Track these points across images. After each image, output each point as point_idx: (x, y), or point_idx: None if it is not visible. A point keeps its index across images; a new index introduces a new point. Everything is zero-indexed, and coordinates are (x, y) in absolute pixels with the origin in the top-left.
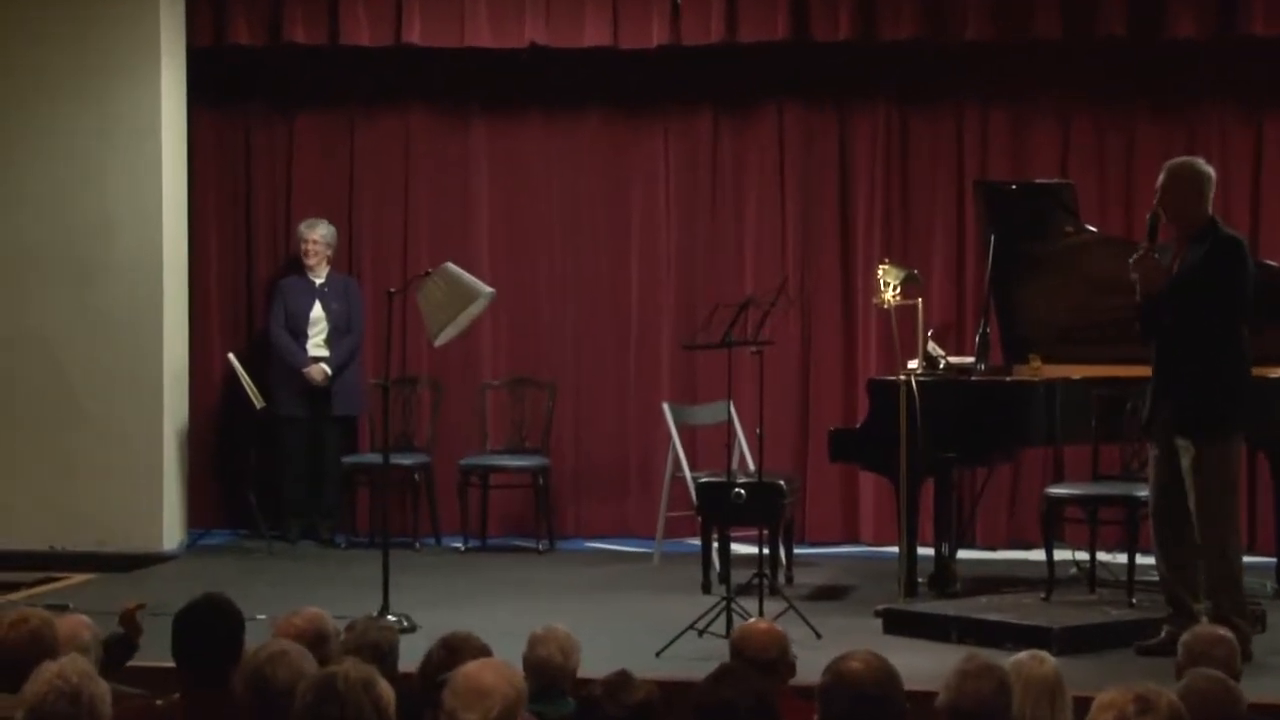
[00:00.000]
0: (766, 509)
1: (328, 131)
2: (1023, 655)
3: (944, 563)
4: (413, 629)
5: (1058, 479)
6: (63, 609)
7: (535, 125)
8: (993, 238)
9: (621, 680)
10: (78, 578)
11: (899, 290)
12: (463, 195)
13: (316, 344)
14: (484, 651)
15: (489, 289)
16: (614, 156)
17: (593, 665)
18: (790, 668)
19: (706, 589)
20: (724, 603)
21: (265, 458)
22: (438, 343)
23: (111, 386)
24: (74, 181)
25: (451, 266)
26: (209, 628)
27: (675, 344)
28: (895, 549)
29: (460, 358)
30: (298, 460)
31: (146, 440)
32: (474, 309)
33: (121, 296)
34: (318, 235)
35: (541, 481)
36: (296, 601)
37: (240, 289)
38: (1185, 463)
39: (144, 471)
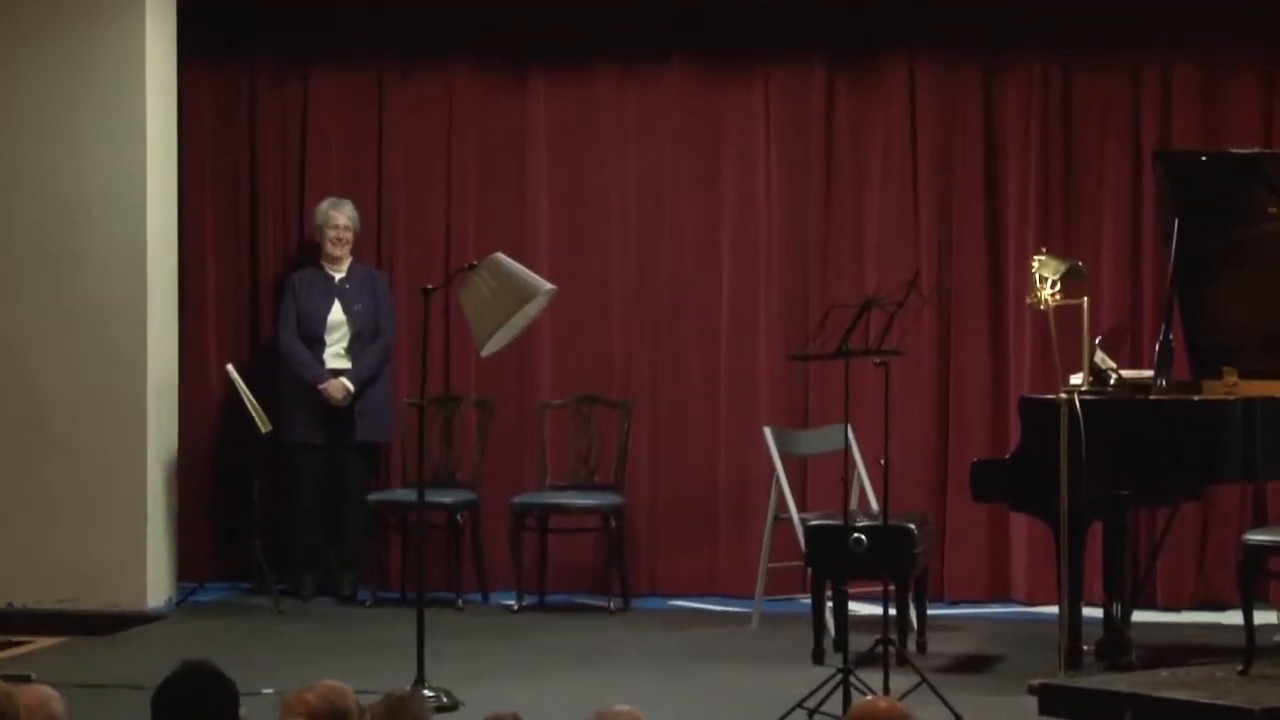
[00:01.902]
0: (893, 559)
1: (351, 92)
2: None
3: (1116, 627)
4: (453, 706)
5: (1258, 523)
6: (24, 680)
7: (605, 83)
8: (1177, 222)
9: None
10: (43, 641)
11: (1059, 287)
12: (517, 170)
13: (336, 353)
14: None
15: (548, 285)
16: (702, 121)
17: None
18: None
19: (818, 658)
20: (840, 675)
21: (272, 494)
22: (486, 352)
23: (84, 405)
24: (39, 154)
25: (502, 258)
26: (194, 705)
27: (779, 354)
28: (1054, 609)
29: (513, 371)
30: (312, 497)
31: (127, 471)
32: (530, 310)
33: (97, 295)
34: (343, 219)
35: (613, 525)
36: (310, 672)
37: (242, 285)
38: None
39: (124, 510)
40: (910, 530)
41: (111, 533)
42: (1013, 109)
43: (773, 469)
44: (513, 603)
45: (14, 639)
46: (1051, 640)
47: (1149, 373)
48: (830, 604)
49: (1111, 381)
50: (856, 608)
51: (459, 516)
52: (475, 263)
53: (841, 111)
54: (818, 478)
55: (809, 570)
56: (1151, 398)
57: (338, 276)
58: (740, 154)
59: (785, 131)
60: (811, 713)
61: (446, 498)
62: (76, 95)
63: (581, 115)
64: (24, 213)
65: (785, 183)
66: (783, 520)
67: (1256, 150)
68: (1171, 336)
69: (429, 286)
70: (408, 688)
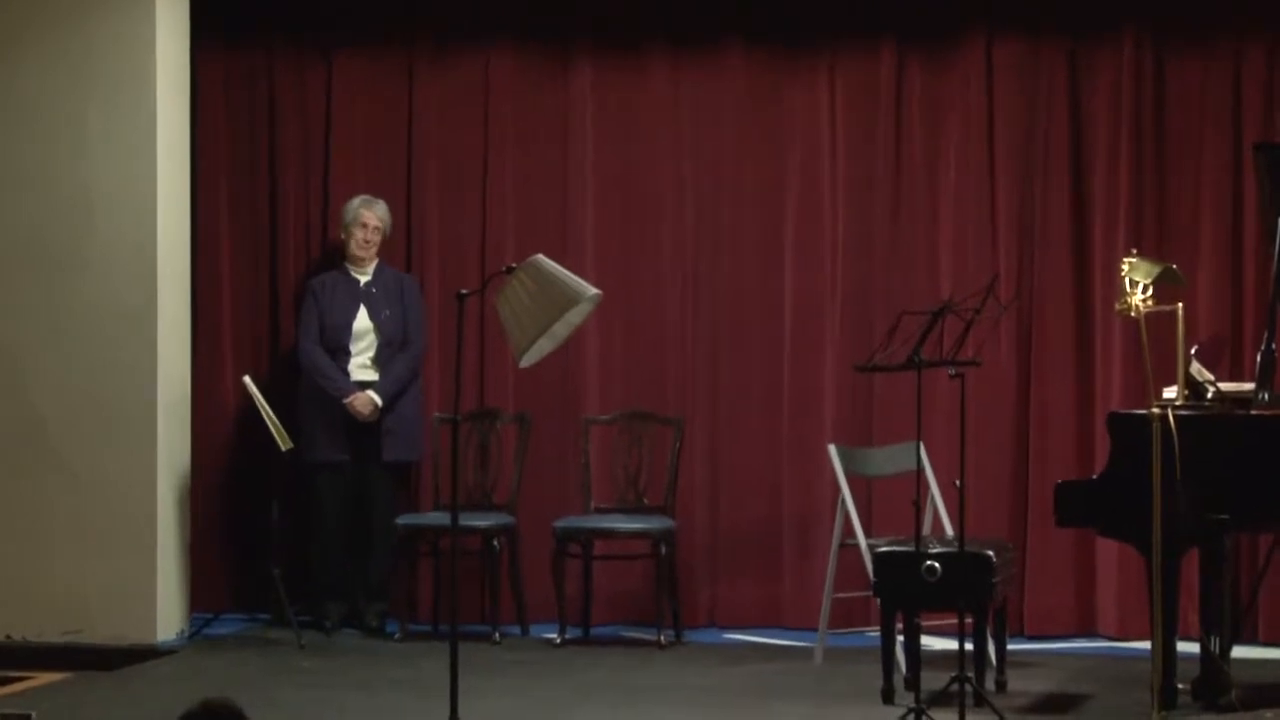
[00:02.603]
0: (970, 589)
1: (378, 79)
2: None
3: (1214, 663)
4: None
5: None
6: (24, 719)
7: (657, 69)
8: None
9: None
10: (44, 677)
11: (1151, 293)
12: (560, 165)
13: (362, 364)
14: None
15: (594, 290)
16: (762, 110)
17: None
18: None
19: (888, 697)
20: (912, 716)
21: (293, 517)
22: (525, 363)
23: (88, 420)
24: (40, 150)
25: (543, 261)
26: None
27: (845, 365)
28: (1146, 644)
29: (555, 384)
30: (336, 521)
31: (135, 492)
32: (573, 317)
33: (103, 301)
34: (374, 218)
35: (664, 551)
36: (334, 711)
37: (261, 290)
38: None
39: (131, 535)
40: (988, 557)
41: (118, 559)
42: (1101, 95)
43: (838, 490)
44: (555, 636)
45: (13, 674)
46: (1143, 678)
47: (1250, 386)
48: (901, 638)
49: (1208, 395)
50: (930, 642)
51: (496, 542)
52: (514, 265)
53: (914, 99)
54: (887, 500)
55: (878, 601)
56: (1252, 413)
57: (364, 280)
58: (803, 146)
59: (852, 121)
60: None
61: (482, 521)
62: (81, 85)
63: (631, 104)
64: (24, 213)
65: (852, 177)
66: (849, 546)
67: None
68: (1275, 346)
69: (463, 291)
70: None
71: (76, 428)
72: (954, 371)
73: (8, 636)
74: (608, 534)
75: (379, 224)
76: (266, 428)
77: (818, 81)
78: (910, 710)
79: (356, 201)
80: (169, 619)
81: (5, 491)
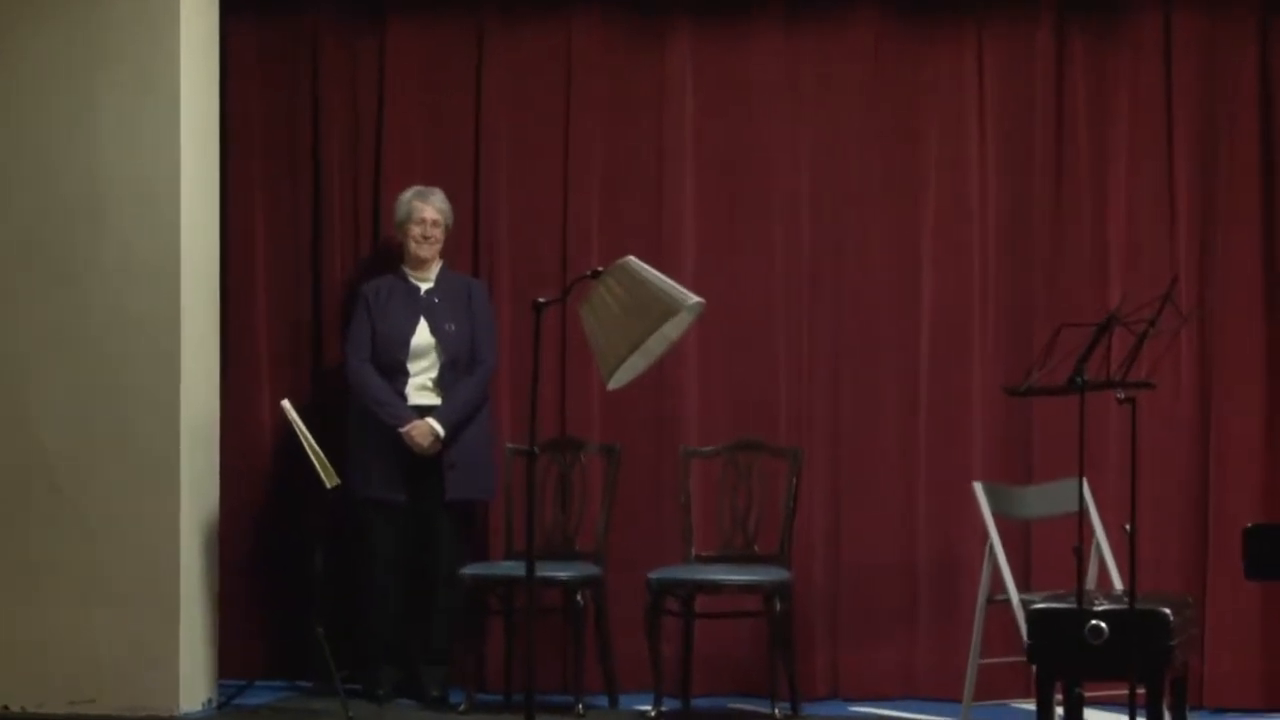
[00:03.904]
0: (1143, 653)
1: (441, 49)
2: None
3: None
4: None
5: None
6: None
7: (769, 38)
8: None
9: None
10: None
11: None
12: (654, 150)
13: (422, 385)
14: None
15: (695, 298)
16: (896, 88)
17: None
18: None
19: None
20: None
21: (340, 567)
22: (614, 384)
23: (99, 454)
24: (43, 134)
25: (635, 264)
26: None
27: (993, 387)
28: None
29: (649, 409)
30: (391, 572)
31: (154, 538)
32: (670, 330)
33: (116, 313)
34: (432, 211)
35: (779, 608)
36: None
37: (302, 299)
38: None
39: (150, 588)
40: (1164, 616)
41: (135, 616)
42: None
43: (985, 536)
44: (649, 708)
45: None
46: None
47: None
48: (1061, 710)
49: None
50: (1095, 716)
51: (579, 596)
52: (601, 269)
53: (1076, 73)
54: (1044, 547)
55: (1033, 667)
56: None
57: (424, 287)
58: (945, 128)
59: (1004, 101)
60: None
61: (563, 572)
62: (93, 63)
63: (738, 80)
64: (26, 212)
65: (1004, 167)
66: (999, 602)
67: None
68: None
69: (541, 300)
70: None
71: (86, 463)
72: (1123, 395)
73: (5, 708)
74: (712, 587)
75: (438, 216)
76: (309, 461)
77: (963, 52)
78: None
79: (409, 194)
80: (194, 686)
81: (3, 538)
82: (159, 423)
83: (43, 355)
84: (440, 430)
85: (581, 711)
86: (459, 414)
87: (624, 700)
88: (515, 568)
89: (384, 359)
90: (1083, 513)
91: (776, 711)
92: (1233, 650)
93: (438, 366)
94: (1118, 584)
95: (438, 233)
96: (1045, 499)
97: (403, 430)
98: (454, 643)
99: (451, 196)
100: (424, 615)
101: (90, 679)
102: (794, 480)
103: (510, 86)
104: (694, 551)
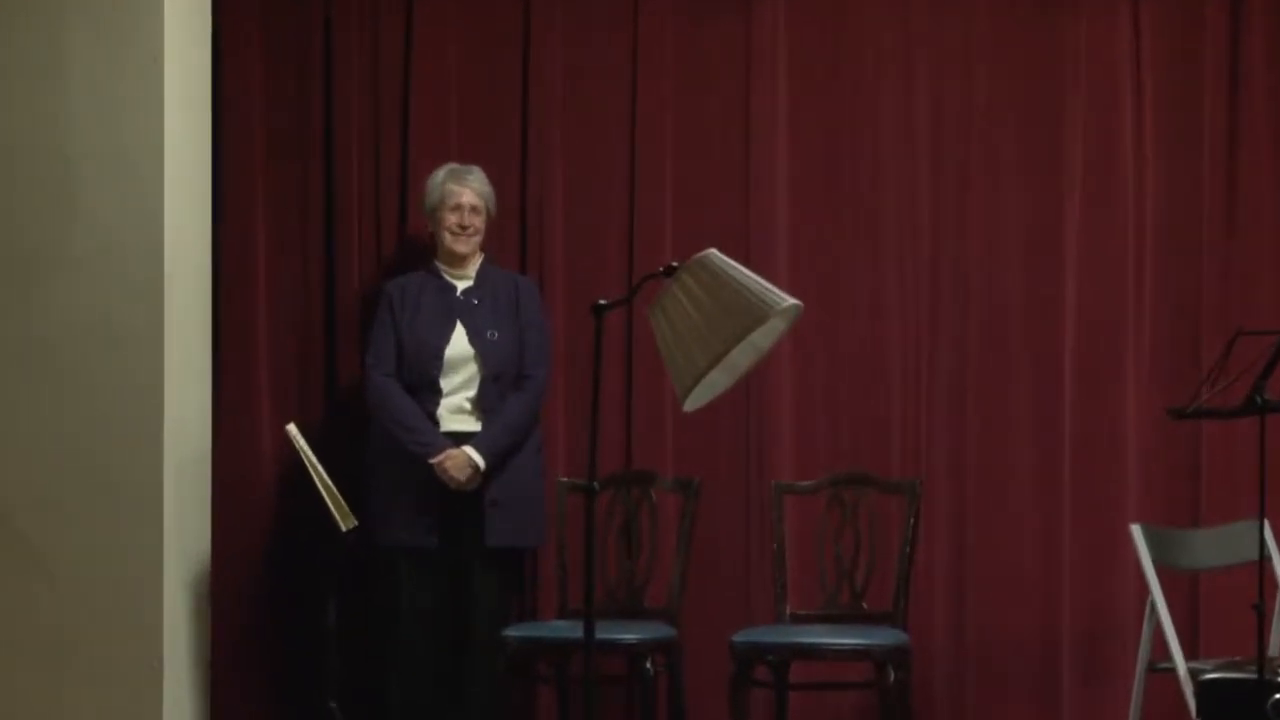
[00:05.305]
0: None
1: (481, 18)
2: None
3: None
4: None
5: None
6: None
7: None
8: None
9: None
10: None
11: None
12: (739, 127)
13: (458, 407)
14: None
15: (790, 301)
16: (1032, 56)
17: None
18: None
19: None
20: None
21: (358, 626)
22: (691, 405)
23: (70, 492)
24: (5, 117)
25: (718, 258)
26: None
27: (1153, 408)
28: None
29: (735, 436)
30: (421, 632)
31: (134, 593)
32: (761, 339)
33: (87, 320)
34: (470, 194)
35: (893, 677)
36: None
37: (312, 303)
38: None
39: (129, 653)
40: None
41: (110, 687)
42: None
43: (1145, 590)
44: None
45: None
46: None
47: None
48: None
49: None
50: None
51: (649, 664)
52: (676, 264)
53: (1254, 39)
54: (1217, 604)
55: None
56: None
57: (461, 286)
58: (1092, 99)
59: (1165, 65)
60: None
61: (630, 634)
62: (60, 14)
63: (840, 42)
64: None
65: (1165, 148)
66: (1161, 670)
67: None
68: None
69: (602, 302)
70: None
71: (52, 503)
72: None
73: None
74: (811, 652)
75: (478, 201)
76: (319, 499)
77: (1116, 17)
78: None
79: (441, 174)
80: None
81: None
82: (139, 453)
83: (2, 375)
84: (480, 461)
85: None
86: (503, 441)
87: None
88: (571, 629)
89: (412, 374)
90: (1263, 562)
91: None
92: None
93: (477, 383)
94: None
95: (478, 221)
96: (1217, 545)
97: (434, 461)
98: (497, 715)
99: (494, 178)
100: (459, 686)
101: None
102: (911, 522)
103: (565, 48)
104: (789, 609)
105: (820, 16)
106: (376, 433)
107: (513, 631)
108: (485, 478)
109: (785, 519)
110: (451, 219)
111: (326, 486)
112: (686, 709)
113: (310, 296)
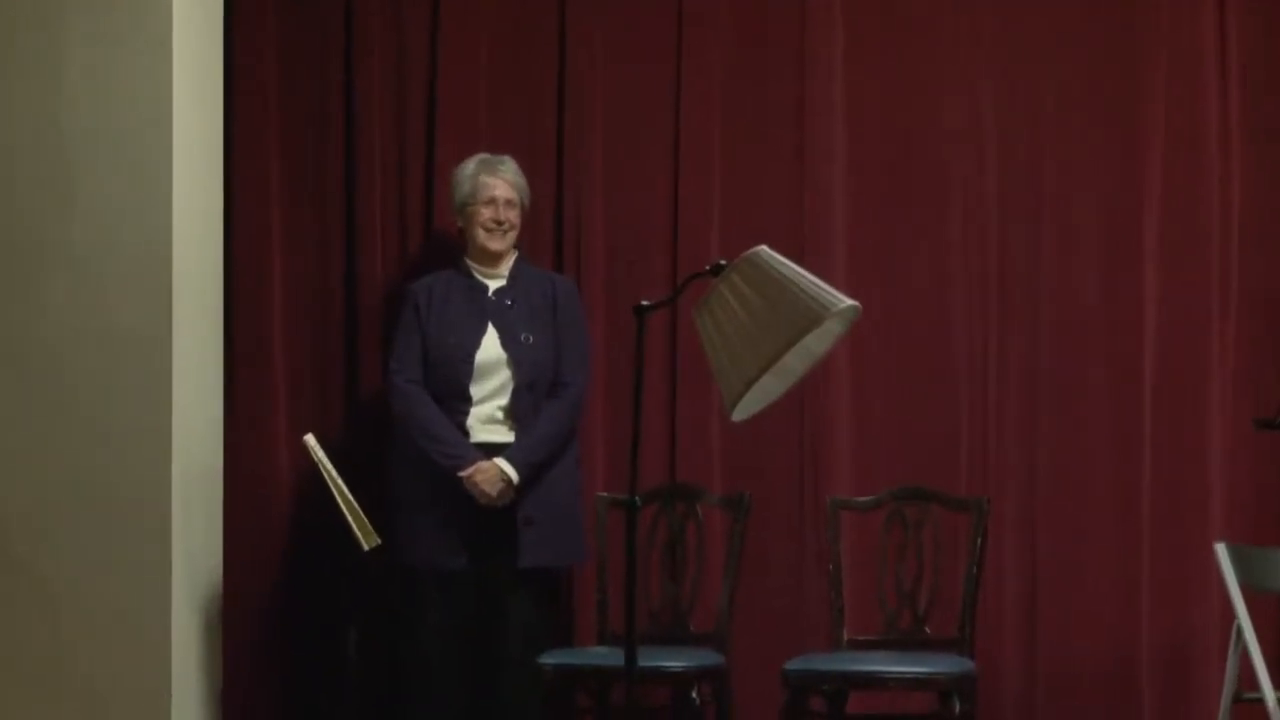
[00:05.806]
0: None
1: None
2: None
3: None
4: None
5: None
6: None
7: None
8: None
9: None
10: None
11: None
12: (794, 115)
13: (489, 416)
14: None
15: (847, 302)
16: (1111, 41)
17: None
18: None
19: None
20: None
21: (380, 653)
22: (740, 414)
23: (70, 510)
24: (7, 97)
25: (769, 256)
26: None
27: (1239, 419)
28: None
29: (788, 448)
30: (449, 659)
31: (139, 619)
32: (815, 344)
33: (89, 324)
34: (503, 187)
35: (959, 708)
36: None
37: (331, 306)
38: None
39: (135, 683)
40: None
41: (116, 718)
42: None
43: (1230, 614)
44: None
45: None
46: None
47: None
48: None
49: None
50: None
51: (695, 693)
52: (724, 262)
53: None
54: None
55: None
56: None
57: (493, 286)
58: (1173, 80)
59: (1253, 53)
60: None
61: (675, 661)
62: (65, 10)
63: (902, 19)
64: None
65: (1253, 138)
66: (1248, 701)
67: None
68: None
69: (645, 303)
70: None
71: (51, 522)
72: None
73: None
74: (870, 681)
75: (512, 194)
76: (340, 516)
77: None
78: None
79: (472, 166)
80: None
81: None
82: (145, 465)
83: None
84: (513, 475)
85: None
86: (538, 453)
87: None
88: (611, 655)
89: (439, 381)
90: None
91: None
92: None
93: (510, 390)
94: None
95: (512, 215)
96: None
97: (464, 475)
98: None
99: (527, 169)
100: (491, 715)
101: None
102: (978, 541)
103: (605, 29)
104: (846, 635)
105: (877, 5)
106: (401, 444)
107: (549, 659)
108: (519, 493)
109: (842, 537)
110: (485, 214)
111: (347, 502)
112: None
113: (329, 297)
